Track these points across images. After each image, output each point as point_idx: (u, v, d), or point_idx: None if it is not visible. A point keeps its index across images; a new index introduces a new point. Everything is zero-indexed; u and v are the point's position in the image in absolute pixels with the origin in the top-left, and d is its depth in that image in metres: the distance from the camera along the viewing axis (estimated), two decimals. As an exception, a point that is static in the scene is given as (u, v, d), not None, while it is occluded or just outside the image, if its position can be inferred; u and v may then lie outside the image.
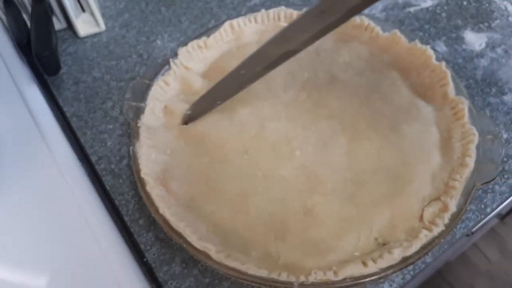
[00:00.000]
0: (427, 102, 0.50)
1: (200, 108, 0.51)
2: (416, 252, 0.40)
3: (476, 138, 0.45)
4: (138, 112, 0.49)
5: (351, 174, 0.46)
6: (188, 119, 0.51)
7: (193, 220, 0.43)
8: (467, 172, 0.43)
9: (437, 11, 0.64)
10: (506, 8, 0.64)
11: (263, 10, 0.57)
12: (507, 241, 1.40)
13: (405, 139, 0.47)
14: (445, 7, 0.65)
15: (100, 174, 0.52)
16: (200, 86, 0.53)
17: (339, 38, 0.56)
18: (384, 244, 0.42)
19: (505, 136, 0.52)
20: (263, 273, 0.38)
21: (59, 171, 0.51)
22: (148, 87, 0.51)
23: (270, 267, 0.39)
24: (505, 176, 0.50)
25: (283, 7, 0.57)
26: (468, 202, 0.42)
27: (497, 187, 0.49)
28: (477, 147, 0.45)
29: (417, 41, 0.53)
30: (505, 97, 0.55)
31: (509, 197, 0.49)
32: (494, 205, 0.49)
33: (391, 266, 0.39)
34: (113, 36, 0.64)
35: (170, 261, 0.46)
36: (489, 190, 0.49)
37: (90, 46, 0.63)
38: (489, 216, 0.50)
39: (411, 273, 0.45)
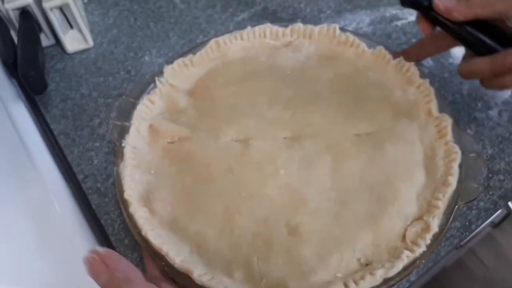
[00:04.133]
0: (412, 119, 0.50)
1: None
2: (398, 274, 0.40)
3: (459, 157, 0.45)
4: (123, 131, 0.49)
5: (334, 193, 0.46)
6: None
7: (176, 241, 0.43)
8: (449, 191, 0.44)
9: (424, 24, 0.65)
10: (492, 21, 0.64)
11: (249, 27, 0.57)
12: (503, 247, 1.40)
13: (389, 157, 0.47)
14: (432, 21, 0.65)
15: (86, 193, 0.52)
16: (186, 104, 0.53)
17: (324, 54, 0.56)
18: (367, 265, 0.42)
19: (490, 151, 0.52)
20: None
21: (45, 189, 0.51)
22: (133, 106, 0.51)
23: None
24: (490, 193, 0.50)
25: (268, 24, 0.57)
26: (450, 221, 0.43)
27: (481, 203, 0.49)
28: (460, 166, 0.45)
29: (401, 58, 0.53)
30: (490, 112, 0.55)
31: (494, 213, 0.49)
32: (479, 222, 0.49)
33: None
34: (102, 52, 0.64)
35: (154, 281, 0.46)
36: (474, 207, 0.49)
37: (79, 62, 0.64)
38: (474, 232, 0.50)
39: (395, 291, 0.45)
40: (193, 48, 0.56)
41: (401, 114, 0.51)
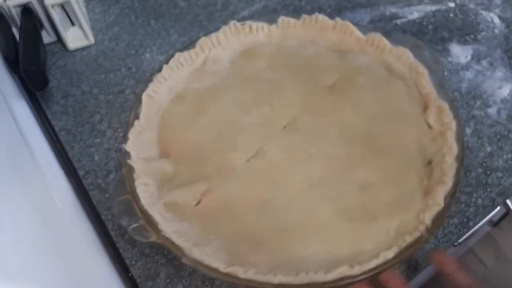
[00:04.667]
0: (349, 50, 0.56)
1: None
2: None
3: (408, 52, 0.53)
4: (144, 229, 0.44)
5: (361, 135, 0.49)
6: None
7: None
8: (425, 78, 0.51)
9: (424, 23, 0.65)
10: (492, 20, 0.64)
11: (164, 65, 0.54)
12: (502, 246, 1.40)
13: (367, 86, 0.52)
14: (432, 19, 0.65)
15: (87, 189, 0.52)
16: (172, 167, 0.49)
17: (241, 50, 0.58)
18: (429, 163, 0.47)
19: (488, 149, 0.53)
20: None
21: (46, 185, 0.51)
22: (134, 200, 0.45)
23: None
24: (488, 190, 0.50)
25: (177, 53, 0.55)
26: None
27: (479, 200, 0.49)
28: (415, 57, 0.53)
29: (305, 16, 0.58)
30: (489, 110, 0.56)
31: (492, 210, 0.50)
32: (477, 219, 0.49)
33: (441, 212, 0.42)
34: (102, 50, 0.65)
35: (155, 276, 0.46)
36: (472, 204, 0.49)
37: (80, 59, 0.64)
38: (472, 229, 0.51)
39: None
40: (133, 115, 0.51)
41: (342, 53, 0.55)
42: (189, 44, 0.56)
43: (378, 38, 0.54)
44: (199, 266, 0.41)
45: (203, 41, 0.56)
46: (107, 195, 0.51)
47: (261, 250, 0.42)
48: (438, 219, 0.42)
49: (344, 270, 0.39)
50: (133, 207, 0.44)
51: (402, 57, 0.53)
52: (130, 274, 0.47)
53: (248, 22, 0.58)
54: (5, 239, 0.48)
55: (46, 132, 0.56)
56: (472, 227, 0.49)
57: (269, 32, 0.58)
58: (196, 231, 0.44)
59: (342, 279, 0.39)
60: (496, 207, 0.50)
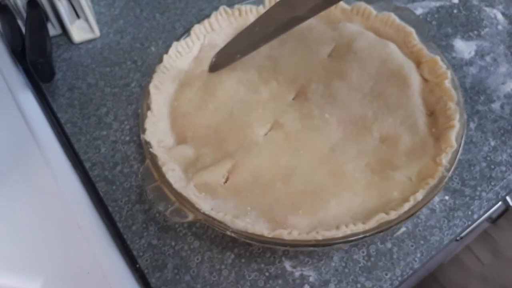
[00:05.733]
0: (335, 21, 0.59)
1: (223, 59, 0.55)
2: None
3: (392, 15, 0.56)
4: (181, 210, 0.45)
5: (369, 95, 0.52)
6: (213, 67, 0.55)
7: None
8: (413, 37, 0.55)
9: (428, 19, 0.65)
10: (495, 17, 0.65)
11: (164, 55, 0.55)
12: (499, 244, 1.41)
13: (366, 49, 0.54)
14: (436, 15, 0.66)
15: (94, 181, 0.52)
16: (193, 151, 0.50)
17: (233, 33, 0.58)
18: (431, 114, 0.50)
19: (492, 143, 0.53)
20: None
21: (53, 177, 0.51)
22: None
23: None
24: (492, 183, 0.50)
25: (174, 42, 0.56)
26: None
27: (484, 194, 0.50)
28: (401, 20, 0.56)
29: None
30: (493, 105, 0.56)
31: (496, 204, 0.50)
32: (481, 212, 0.50)
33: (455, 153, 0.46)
34: (108, 43, 0.65)
35: (162, 267, 0.46)
36: (476, 197, 0.50)
37: (85, 52, 0.64)
38: (476, 223, 0.51)
39: (399, 278, 0.45)
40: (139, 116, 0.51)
41: (332, 24, 0.58)
42: (184, 33, 0.57)
43: (363, 6, 0.58)
44: (244, 236, 0.42)
45: (196, 28, 0.57)
46: (113, 187, 0.52)
47: (297, 213, 0.44)
48: (453, 159, 0.45)
49: (381, 217, 0.42)
50: (165, 192, 0.45)
51: (388, 20, 0.56)
52: (137, 265, 0.47)
53: (236, 6, 0.59)
54: (12, 230, 0.48)
55: (52, 125, 0.56)
56: (477, 220, 0.50)
57: (257, 13, 0.59)
58: (231, 205, 0.45)
59: (380, 226, 0.42)
60: (499, 200, 0.51)
